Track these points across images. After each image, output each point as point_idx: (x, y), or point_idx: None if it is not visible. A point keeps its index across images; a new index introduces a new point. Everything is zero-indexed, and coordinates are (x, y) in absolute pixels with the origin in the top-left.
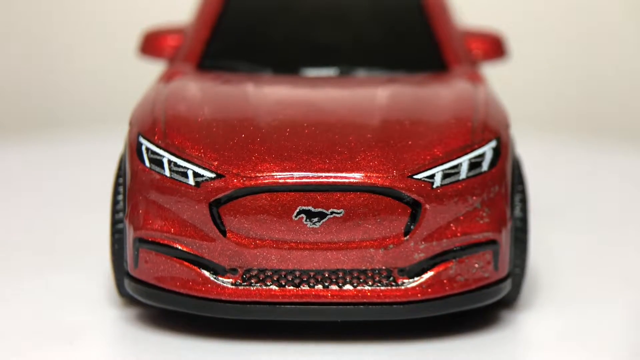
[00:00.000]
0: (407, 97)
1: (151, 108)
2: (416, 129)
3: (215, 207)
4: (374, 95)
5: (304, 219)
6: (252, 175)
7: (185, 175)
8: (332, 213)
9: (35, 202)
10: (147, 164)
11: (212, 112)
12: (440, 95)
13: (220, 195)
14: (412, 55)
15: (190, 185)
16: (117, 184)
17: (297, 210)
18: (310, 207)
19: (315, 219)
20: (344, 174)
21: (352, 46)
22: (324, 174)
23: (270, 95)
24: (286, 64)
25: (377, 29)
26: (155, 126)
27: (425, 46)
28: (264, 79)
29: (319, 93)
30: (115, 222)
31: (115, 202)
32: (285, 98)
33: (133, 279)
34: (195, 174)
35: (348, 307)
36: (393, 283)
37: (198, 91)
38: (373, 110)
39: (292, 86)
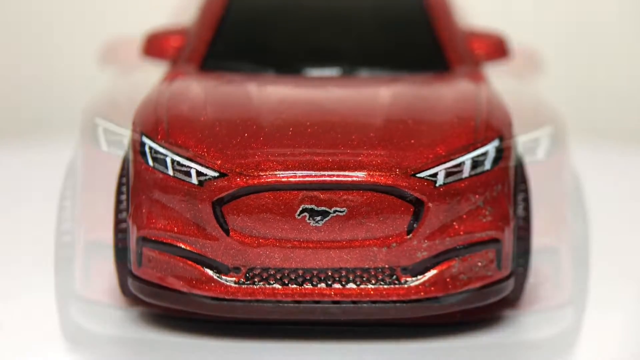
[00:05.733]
0: (410, 96)
1: (154, 108)
2: (419, 127)
3: (219, 206)
4: (377, 94)
5: (307, 217)
6: (255, 174)
7: (188, 174)
8: (335, 211)
9: (37, 202)
10: (151, 163)
11: (215, 111)
12: (443, 95)
13: (223, 194)
14: (415, 55)
15: (194, 184)
16: (120, 184)
17: (300, 208)
18: (313, 206)
19: (318, 218)
20: (347, 173)
21: (355, 46)
22: (326, 173)
23: (273, 94)
24: (289, 65)
25: (379, 29)
26: (158, 125)
27: (427, 46)
28: (266, 79)
29: (321, 93)
30: (118, 222)
31: (118, 202)
32: (288, 97)
33: (137, 278)
34: (199, 173)
35: (351, 305)
36: (396, 281)
37: (201, 91)
38: (376, 109)
39: (294, 86)
